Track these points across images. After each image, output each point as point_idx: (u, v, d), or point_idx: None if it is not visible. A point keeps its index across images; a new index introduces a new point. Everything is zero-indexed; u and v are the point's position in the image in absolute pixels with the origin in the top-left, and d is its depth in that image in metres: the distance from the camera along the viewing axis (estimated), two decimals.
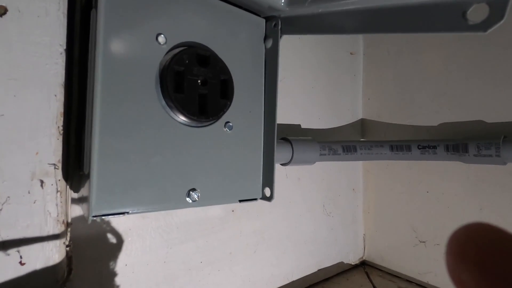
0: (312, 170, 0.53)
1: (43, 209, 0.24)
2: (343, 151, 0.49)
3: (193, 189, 0.27)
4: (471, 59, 0.47)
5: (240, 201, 0.31)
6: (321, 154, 0.46)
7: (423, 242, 0.53)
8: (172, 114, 0.26)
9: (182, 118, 0.26)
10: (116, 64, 0.23)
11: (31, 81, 0.23)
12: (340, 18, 0.25)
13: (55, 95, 0.24)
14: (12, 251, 0.22)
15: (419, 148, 0.47)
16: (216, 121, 0.29)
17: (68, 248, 0.26)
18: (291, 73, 0.50)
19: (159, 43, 0.25)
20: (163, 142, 0.26)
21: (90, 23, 0.23)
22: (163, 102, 0.26)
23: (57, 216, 0.24)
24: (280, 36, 0.32)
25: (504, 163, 0.40)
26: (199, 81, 0.27)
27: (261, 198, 0.33)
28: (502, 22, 0.17)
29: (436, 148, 0.46)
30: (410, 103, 0.55)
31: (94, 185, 0.22)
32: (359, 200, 0.62)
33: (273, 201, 0.47)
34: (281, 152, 0.42)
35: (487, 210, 0.45)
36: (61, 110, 0.25)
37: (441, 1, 0.18)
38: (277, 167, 0.46)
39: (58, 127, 0.25)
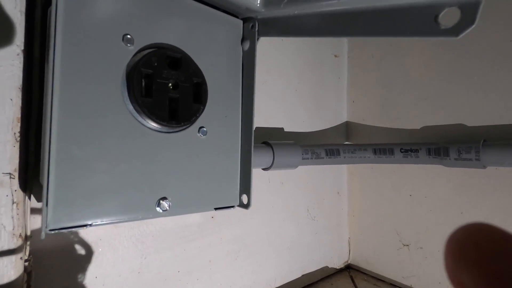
0: (295, 174, 0.52)
1: None
2: (326, 154, 0.48)
3: (164, 198, 0.26)
4: (452, 63, 0.47)
5: (216, 209, 0.30)
6: (303, 158, 0.45)
7: (407, 245, 0.53)
8: (140, 119, 0.25)
9: (151, 124, 0.25)
10: (76, 65, 0.22)
11: None
12: (315, 20, 0.24)
13: (11, 99, 0.23)
14: None
15: (402, 152, 0.47)
16: (189, 126, 0.27)
17: (27, 263, 0.24)
18: (274, 75, 0.49)
19: (126, 44, 0.24)
20: (130, 149, 0.24)
21: (48, 20, 0.22)
22: (130, 106, 0.24)
23: (13, 229, 0.23)
24: (258, 38, 0.31)
25: (484, 167, 0.40)
26: (169, 84, 0.26)
27: (238, 206, 0.32)
28: (473, 26, 0.16)
29: (418, 152, 0.46)
30: (394, 106, 0.55)
31: (51, 196, 0.20)
32: (344, 204, 0.61)
33: (255, 206, 0.46)
34: (262, 157, 0.41)
35: (468, 213, 0.45)
36: (18, 115, 0.23)
37: (413, 4, 0.18)
38: (259, 171, 0.45)
39: (15, 133, 0.23)
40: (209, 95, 0.29)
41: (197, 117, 0.27)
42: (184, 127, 0.27)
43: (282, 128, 0.50)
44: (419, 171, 0.51)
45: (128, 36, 0.24)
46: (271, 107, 0.49)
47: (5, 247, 0.22)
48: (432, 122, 0.49)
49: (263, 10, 0.29)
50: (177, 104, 0.26)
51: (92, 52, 0.23)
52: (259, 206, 0.46)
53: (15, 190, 0.23)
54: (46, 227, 0.20)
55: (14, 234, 0.23)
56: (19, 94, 0.23)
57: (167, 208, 0.26)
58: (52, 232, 0.20)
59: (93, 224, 0.22)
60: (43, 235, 0.19)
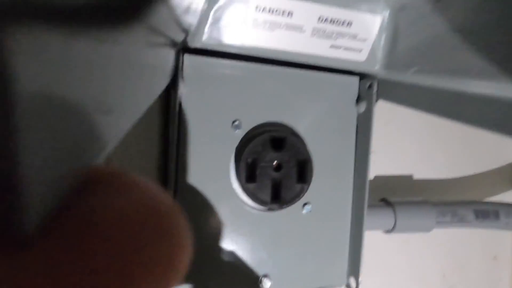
0: None
1: None
2: (476, 217, 0.37)
3: (266, 276, 0.26)
4: None
5: None
6: (439, 222, 0.36)
7: None
8: (243, 198, 0.26)
9: (253, 204, 0.26)
10: (191, 150, 0.25)
11: (133, 167, 0.28)
12: (453, 100, 0.18)
13: (152, 178, 0.28)
14: None
15: None
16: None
17: None
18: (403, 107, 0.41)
19: (234, 130, 0.25)
20: (232, 226, 0.26)
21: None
22: (236, 185, 0.26)
23: None
24: (376, 100, 0.26)
25: None
26: (273, 166, 0.25)
27: (346, 286, 0.28)
28: None
29: None
30: None
31: None
32: (504, 273, 0.45)
33: (371, 267, 0.40)
34: (380, 219, 0.35)
35: None
36: None
37: None
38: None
39: None
40: (315, 168, 0.27)
41: (299, 198, 0.26)
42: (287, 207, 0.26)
43: (411, 176, 0.42)
44: None
45: (237, 122, 0.25)
46: (396, 147, 0.41)
47: None
48: None
49: (383, 72, 0.24)
50: (280, 186, 0.25)
51: (202, 137, 0.25)
52: (374, 268, 0.40)
53: None
54: None
55: None
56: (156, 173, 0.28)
57: (269, 285, 0.26)
58: None
59: None
60: None
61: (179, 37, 0.21)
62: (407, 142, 0.41)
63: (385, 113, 0.40)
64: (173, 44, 0.21)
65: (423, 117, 0.42)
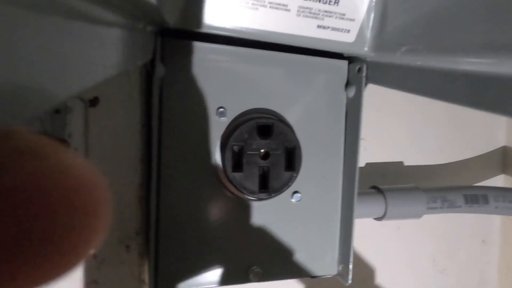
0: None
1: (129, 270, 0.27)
2: (466, 202, 0.37)
3: (255, 265, 0.26)
4: None
5: (312, 277, 0.28)
6: (429, 208, 0.36)
7: None
8: (231, 188, 0.25)
9: (242, 194, 0.25)
10: (171, 136, 0.24)
11: (116, 159, 0.27)
12: (445, 80, 0.17)
13: (136, 169, 0.27)
14: None
15: None
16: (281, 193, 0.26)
17: None
18: (393, 95, 0.41)
19: (219, 117, 0.24)
20: (220, 217, 0.25)
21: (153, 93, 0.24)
22: (222, 176, 0.25)
23: (139, 275, 0.27)
24: (366, 84, 0.26)
25: None
26: (260, 154, 0.24)
27: (337, 275, 0.28)
28: None
29: None
30: None
31: (159, 267, 0.23)
32: (492, 256, 0.46)
33: (364, 254, 0.40)
34: (370, 206, 0.35)
35: None
36: (141, 181, 0.27)
37: None
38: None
39: (139, 197, 0.27)
40: (304, 156, 0.26)
41: (288, 186, 0.25)
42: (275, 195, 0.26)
43: (401, 163, 0.42)
44: None
45: (221, 109, 0.24)
46: (386, 134, 0.41)
47: None
48: None
49: (372, 54, 0.23)
50: (268, 174, 0.25)
51: (186, 125, 0.24)
52: (367, 254, 0.40)
53: (140, 244, 0.27)
54: None
55: (139, 279, 0.27)
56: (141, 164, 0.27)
57: (259, 275, 0.26)
58: None
59: None
60: None
61: (154, 17, 0.19)
62: (397, 129, 0.41)
63: (374, 100, 0.39)
64: (149, 24, 0.19)
65: (412, 103, 0.42)
